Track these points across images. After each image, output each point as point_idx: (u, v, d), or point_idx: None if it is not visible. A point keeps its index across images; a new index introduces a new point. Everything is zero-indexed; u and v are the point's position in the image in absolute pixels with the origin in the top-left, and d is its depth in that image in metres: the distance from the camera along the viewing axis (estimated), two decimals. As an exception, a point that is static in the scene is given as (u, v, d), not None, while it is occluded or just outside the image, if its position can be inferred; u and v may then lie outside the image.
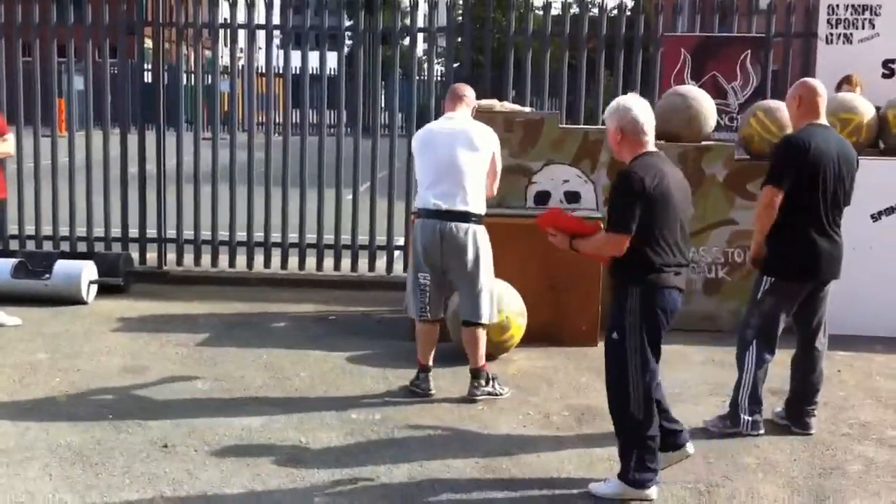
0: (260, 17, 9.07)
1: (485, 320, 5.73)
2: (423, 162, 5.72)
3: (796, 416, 5.24)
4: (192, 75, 9.85)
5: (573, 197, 7.47)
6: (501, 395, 5.77)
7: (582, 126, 8.07)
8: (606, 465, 4.75)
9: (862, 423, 5.40)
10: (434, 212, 5.59)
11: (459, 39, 9.19)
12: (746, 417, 5.13)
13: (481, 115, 7.44)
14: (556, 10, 9.22)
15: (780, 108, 7.40)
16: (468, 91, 5.90)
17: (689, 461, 4.79)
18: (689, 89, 7.66)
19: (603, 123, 4.93)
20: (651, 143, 4.39)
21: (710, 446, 5.01)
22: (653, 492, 4.33)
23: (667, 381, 5.79)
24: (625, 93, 8.61)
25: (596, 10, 9.16)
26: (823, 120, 5.10)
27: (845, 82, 7.95)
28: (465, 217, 5.59)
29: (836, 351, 6.68)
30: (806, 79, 5.24)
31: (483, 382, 5.74)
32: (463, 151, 5.60)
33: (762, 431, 5.15)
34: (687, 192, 4.48)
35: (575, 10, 8.95)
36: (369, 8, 9.28)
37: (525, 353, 6.59)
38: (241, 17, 9.01)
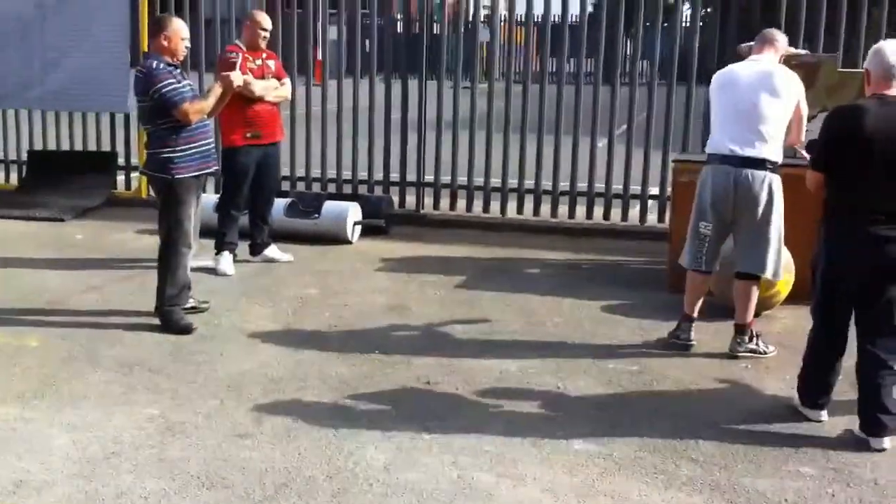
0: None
1: (768, 274, 5.50)
2: (720, 103, 5.52)
3: None
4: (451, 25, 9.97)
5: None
6: (766, 353, 5.53)
7: (862, 69, 7.47)
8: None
9: None
10: (729, 157, 5.38)
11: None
12: None
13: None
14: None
15: None
16: (780, 36, 5.68)
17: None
18: None
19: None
20: (889, 89, 4.30)
21: None
22: None
23: None
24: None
25: None
26: None
27: None
28: (762, 164, 5.35)
29: None
30: None
31: (747, 339, 5.53)
32: (765, 96, 5.36)
33: None
34: None
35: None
36: None
37: (791, 310, 6.27)
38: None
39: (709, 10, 10.92)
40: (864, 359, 4.43)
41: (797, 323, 6.09)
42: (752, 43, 6.43)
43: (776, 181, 5.41)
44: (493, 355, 5.51)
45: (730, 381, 5.19)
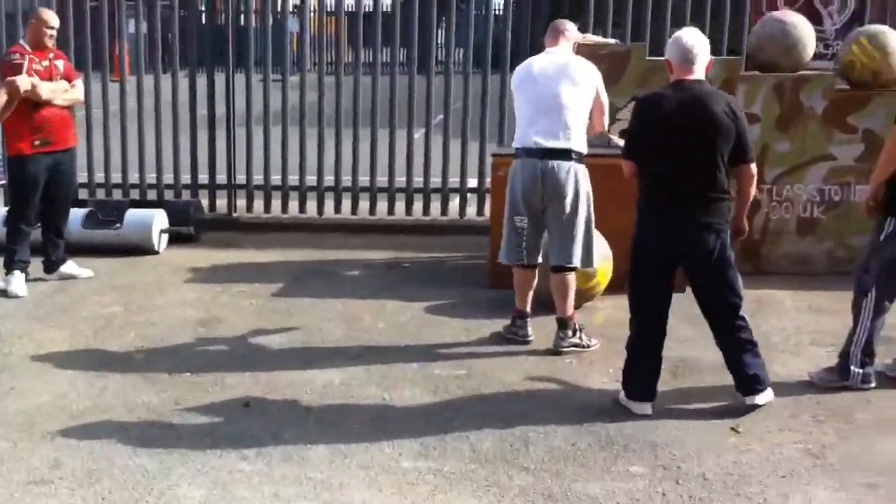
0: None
1: (577, 264, 5.47)
2: (522, 98, 5.50)
3: None
4: (259, 15, 9.53)
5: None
6: (589, 346, 5.49)
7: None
8: (702, 422, 4.48)
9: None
10: (535, 150, 5.37)
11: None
12: (857, 370, 4.79)
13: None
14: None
15: (886, 33, 6.91)
16: (569, 26, 5.71)
17: (795, 419, 4.51)
18: (786, 14, 7.19)
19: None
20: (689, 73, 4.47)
21: (819, 402, 4.70)
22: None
23: (763, 328, 5.55)
24: (704, 22, 8.20)
25: None
26: None
27: None
28: (567, 155, 5.36)
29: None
30: None
31: (570, 333, 5.47)
32: (565, 87, 5.38)
33: (873, 385, 4.81)
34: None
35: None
36: None
37: (612, 300, 6.28)
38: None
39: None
40: (720, 338, 4.59)
41: (619, 313, 6.07)
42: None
43: (581, 170, 5.43)
44: (314, 368, 5.24)
45: (556, 379, 5.11)
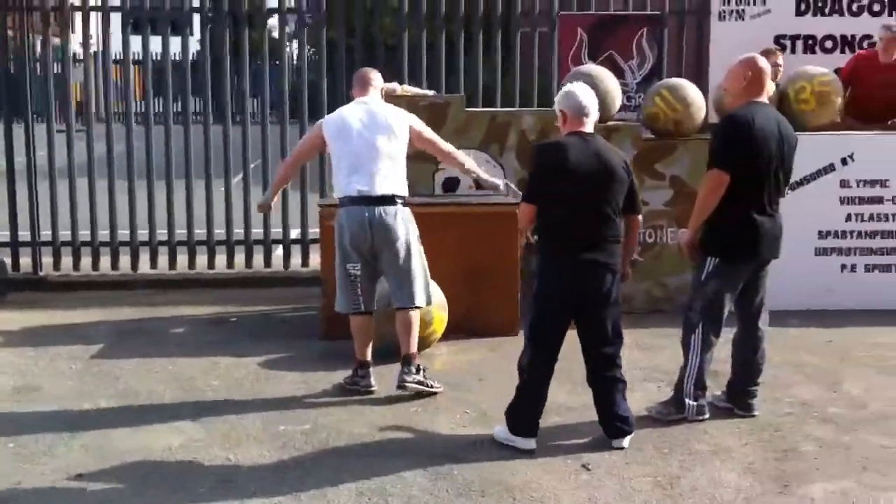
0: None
1: (420, 303, 5.55)
2: (340, 148, 5.53)
3: (739, 399, 5.16)
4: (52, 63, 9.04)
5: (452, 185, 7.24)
6: (433, 388, 5.49)
7: (489, 109, 7.84)
8: (552, 460, 4.57)
9: (801, 402, 5.37)
10: (359, 198, 5.41)
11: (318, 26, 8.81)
12: (691, 402, 5.01)
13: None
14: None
15: (685, 86, 7.39)
16: (374, 74, 5.80)
17: (640, 452, 4.67)
18: (593, 68, 7.53)
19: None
20: (582, 126, 4.72)
21: (659, 434, 4.88)
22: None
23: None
24: (506, 72, 8.53)
25: None
26: (765, 98, 5.01)
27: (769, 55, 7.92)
28: (392, 200, 5.46)
29: (752, 327, 6.73)
30: (753, 55, 5.06)
31: (414, 370, 5.48)
32: (381, 135, 5.48)
33: (707, 416, 5.05)
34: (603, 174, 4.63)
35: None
36: None
37: (447, 346, 6.34)
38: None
39: (314, 49, 10.95)
40: (594, 373, 4.75)
41: (457, 358, 6.17)
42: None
43: (407, 213, 5.55)
44: (149, 432, 4.96)
45: (404, 427, 5.06)
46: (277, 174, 6.11)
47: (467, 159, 6.06)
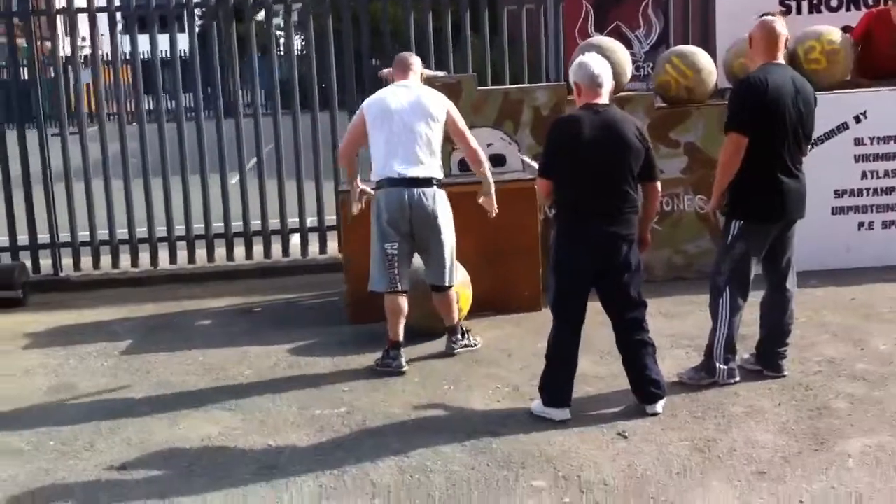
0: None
1: (453, 283, 5.79)
2: (380, 131, 5.63)
3: (769, 360, 5.20)
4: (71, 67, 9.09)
5: (498, 160, 7.24)
6: (477, 345, 5.91)
7: (501, 87, 7.85)
8: (589, 429, 4.61)
9: (829, 360, 5.41)
10: (399, 180, 5.52)
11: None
12: (722, 366, 5.05)
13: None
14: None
15: (695, 52, 7.39)
16: (415, 59, 5.92)
17: (675, 418, 4.71)
18: (603, 40, 7.53)
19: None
20: (597, 97, 4.76)
21: (692, 399, 4.93)
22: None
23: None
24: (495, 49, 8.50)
25: None
26: (781, 59, 5.02)
27: None
28: (430, 182, 5.56)
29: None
30: (763, 17, 5.11)
31: (460, 337, 5.85)
32: (421, 117, 5.58)
33: (738, 379, 5.09)
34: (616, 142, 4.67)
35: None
36: None
37: (473, 324, 6.36)
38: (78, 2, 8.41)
39: (303, 40, 10.87)
40: (622, 338, 4.81)
41: (483, 335, 6.20)
42: (390, 69, 6.52)
43: (442, 195, 5.65)
44: (187, 423, 5.02)
45: (439, 405, 5.11)
46: (346, 170, 5.98)
47: (487, 164, 5.95)
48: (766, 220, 4.98)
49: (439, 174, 5.64)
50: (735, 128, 4.85)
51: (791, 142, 4.90)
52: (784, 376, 5.15)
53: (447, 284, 5.72)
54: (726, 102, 5.60)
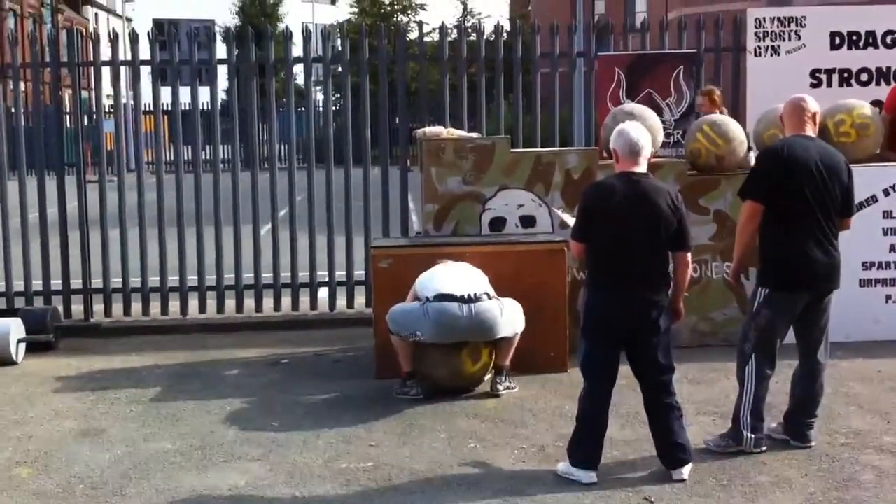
0: (144, 53, 8.69)
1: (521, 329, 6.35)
2: None
3: (796, 430, 5.20)
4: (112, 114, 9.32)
5: (528, 221, 7.36)
6: (515, 388, 6.31)
7: (534, 149, 7.97)
8: (616, 493, 4.62)
9: (856, 432, 5.41)
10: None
11: (339, 68, 8.98)
12: (749, 434, 5.06)
13: (430, 142, 7.34)
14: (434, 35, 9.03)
15: (727, 122, 7.50)
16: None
17: (701, 485, 4.71)
18: (636, 107, 7.66)
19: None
20: (635, 165, 4.83)
21: (719, 467, 4.93)
22: None
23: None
24: (527, 110, 8.62)
25: (475, 34, 9.02)
26: (809, 132, 5.13)
27: (705, 96, 8.11)
28: None
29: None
30: (793, 95, 5.27)
31: (504, 378, 6.27)
32: None
33: (765, 448, 5.09)
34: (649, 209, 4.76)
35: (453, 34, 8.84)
36: (258, 40, 8.87)
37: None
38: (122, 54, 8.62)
39: (339, 96, 11.03)
40: (650, 400, 4.85)
41: (508, 394, 6.23)
42: (428, 128, 6.70)
43: None
44: (215, 472, 5.07)
45: (465, 462, 5.13)
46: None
47: None
48: (791, 289, 5.02)
49: None
50: (748, 194, 5.02)
51: (819, 213, 4.95)
52: (811, 447, 5.15)
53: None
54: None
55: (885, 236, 7.38)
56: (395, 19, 37.30)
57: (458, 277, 6.20)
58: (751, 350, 5.09)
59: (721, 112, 8.02)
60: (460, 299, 6.00)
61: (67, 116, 9.18)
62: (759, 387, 5.06)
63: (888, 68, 8.24)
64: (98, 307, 8.71)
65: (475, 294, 6.06)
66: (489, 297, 6.11)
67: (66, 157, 8.78)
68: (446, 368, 6.17)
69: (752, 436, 5.06)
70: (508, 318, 6.15)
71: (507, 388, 6.26)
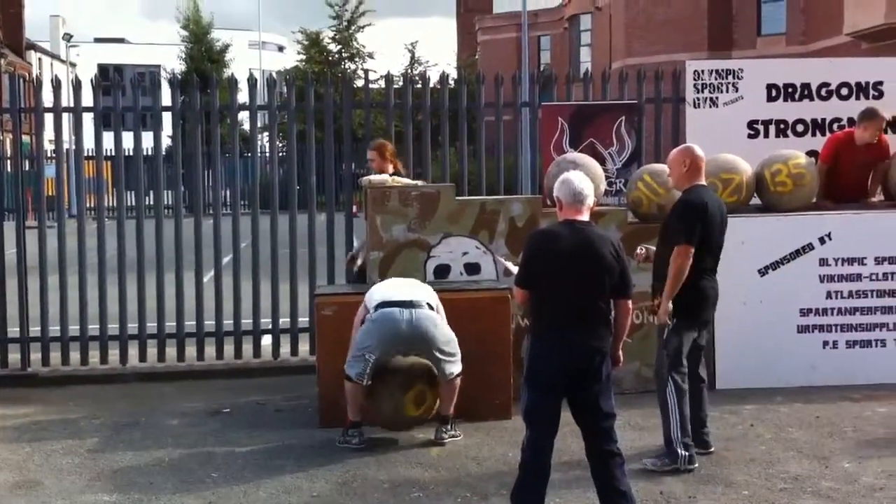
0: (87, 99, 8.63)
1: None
2: None
3: (697, 441, 5.74)
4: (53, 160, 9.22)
5: (473, 269, 7.39)
6: (460, 436, 6.31)
7: (478, 197, 8.03)
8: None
9: (794, 477, 5.48)
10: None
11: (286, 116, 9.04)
12: (683, 452, 5.56)
13: (375, 190, 7.37)
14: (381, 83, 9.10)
15: (667, 171, 7.61)
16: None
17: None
18: (578, 156, 7.77)
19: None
20: (578, 214, 4.92)
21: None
22: None
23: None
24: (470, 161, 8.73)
25: (421, 83, 9.18)
26: (703, 181, 5.87)
27: (376, 151, 7.95)
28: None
29: (741, 405, 6.87)
30: (689, 144, 5.97)
31: (450, 426, 6.28)
32: None
33: (696, 465, 5.57)
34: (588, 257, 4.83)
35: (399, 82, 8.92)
36: (203, 86, 8.86)
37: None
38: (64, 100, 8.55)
39: (284, 144, 11.09)
40: (591, 447, 4.85)
41: (451, 442, 6.21)
42: (373, 175, 6.74)
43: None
44: (153, 525, 4.97)
45: (408, 514, 5.10)
46: None
47: None
48: (698, 318, 5.79)
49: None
50: (687, 241, 5.62)
51: (715, 254, 5.80)
52: (711, 452, 5.83)
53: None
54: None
55: (822, 283, 7.54)
56: (342, 67, 37.48)
57: (401, 286, 6.38)
58: (667, 373, 5.70)
59: (395, 167, 7.91)
60: (401, 304, 6.09)
61: (7, 161, 9.01)
62: (681, 403, 5.66)
63: (823, 119, 8.45)
64: (35, 356, 8.53)
65: (416, 300, 6.14)
66: (431, 308, 6.18)
67: (5, 202, 8.63)
68: (390, 404, 6.15)
69: (686, 453, 5.57)
70: (444, 334, 6.19)
71: (452, 436, 6.27)
